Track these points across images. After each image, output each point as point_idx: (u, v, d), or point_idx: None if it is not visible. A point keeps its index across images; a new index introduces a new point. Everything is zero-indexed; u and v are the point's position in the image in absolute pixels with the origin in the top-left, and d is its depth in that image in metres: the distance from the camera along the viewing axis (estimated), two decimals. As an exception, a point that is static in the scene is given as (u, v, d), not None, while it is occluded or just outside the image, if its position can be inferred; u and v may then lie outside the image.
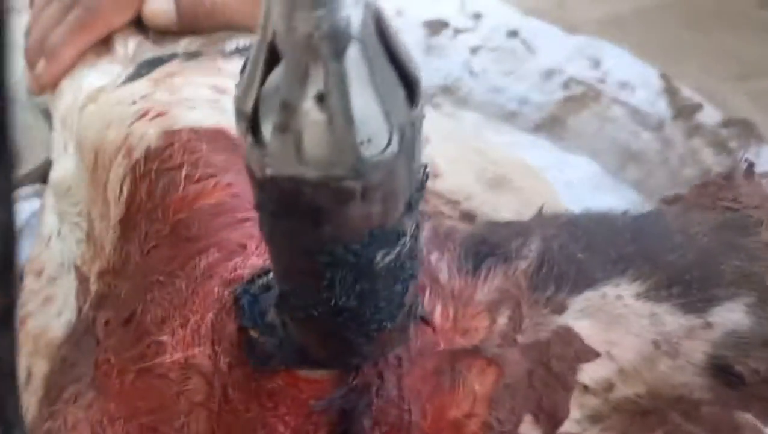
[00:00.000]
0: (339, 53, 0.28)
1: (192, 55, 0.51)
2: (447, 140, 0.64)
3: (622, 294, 0.44)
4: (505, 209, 0.57)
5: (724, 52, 0.98)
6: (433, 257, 0.46)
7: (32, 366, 0.50)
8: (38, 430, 0.46)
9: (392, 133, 0.30)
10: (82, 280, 0.51)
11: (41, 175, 0.70)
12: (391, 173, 0.31)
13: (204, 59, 0.50)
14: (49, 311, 0.52)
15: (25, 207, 0.66)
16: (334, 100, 0.29)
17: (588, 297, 0.45)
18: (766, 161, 0.88)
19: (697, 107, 0.90)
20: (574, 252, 0.46)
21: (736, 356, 0.42)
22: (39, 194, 0.67)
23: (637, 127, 0.89)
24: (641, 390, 0.44)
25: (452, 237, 0.48)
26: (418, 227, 0.36)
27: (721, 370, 0.43)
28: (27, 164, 0.72)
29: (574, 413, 0.44)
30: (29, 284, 0.54)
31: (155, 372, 0.42)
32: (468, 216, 0.54)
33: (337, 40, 0.28)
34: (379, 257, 0.34)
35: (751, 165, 0.50)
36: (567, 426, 0.44)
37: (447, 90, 0.92)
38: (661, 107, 0.90)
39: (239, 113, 0.31)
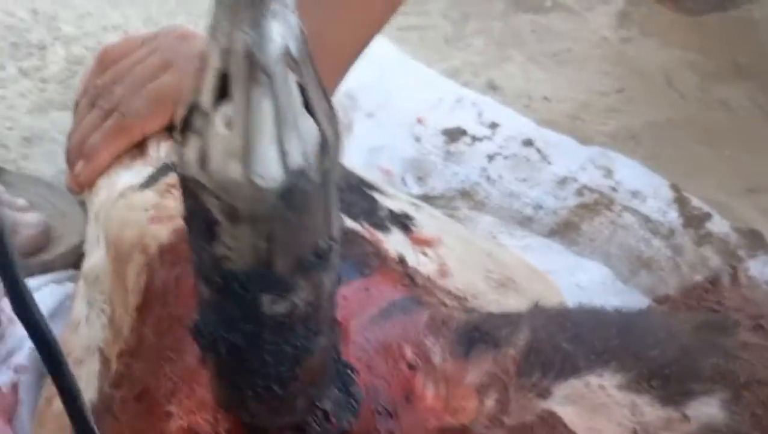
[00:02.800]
0: (252, 78, 0.31)
1: None
2: (458, 241, 0.67)
3: (604, 384, 0.47)
4: (510, 309, 0.60)
5: (734, 166, 1.01)
6: (429, 340, 0.49)
7: (58, 446, 0.54)
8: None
9: (286, 175, 0.32)
10: (104, 361, 0.55)
11: (74, 258, 0.74)
12: (281, 215, 0.33)
13: None
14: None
15: (60, 290, 0.70)
16: (237, 123, 0.31)
17: (572, 385, 0.47)
18: (773, 271, 0.90)
19: (707, 216, 0.93)
20: (561, 342, 0.49)
21: (708, 450, 0.45)
22: (72, 279, 0.71)
23: (649, 234, 0.92)
24: (622, 477, 0.46)
25: (448, 324, 0.51)
26: (321, 309, 0.38)
27: (697, 464, 0.45)
28: (60, 247, 0.76)
29: (559, 497, 0.46)
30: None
31: (163, 441, 0.45)
32: (471, 310, 0.57)
33: (252, 66, 0.31)
34: (265, 302, 0.36)
35: (735, 271, 0.53)
36: (551, 510, 0.46)
37: (465, 194, 0.95)
38: (672, 216, 0.93)
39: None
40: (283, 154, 0.32)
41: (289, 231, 0.34)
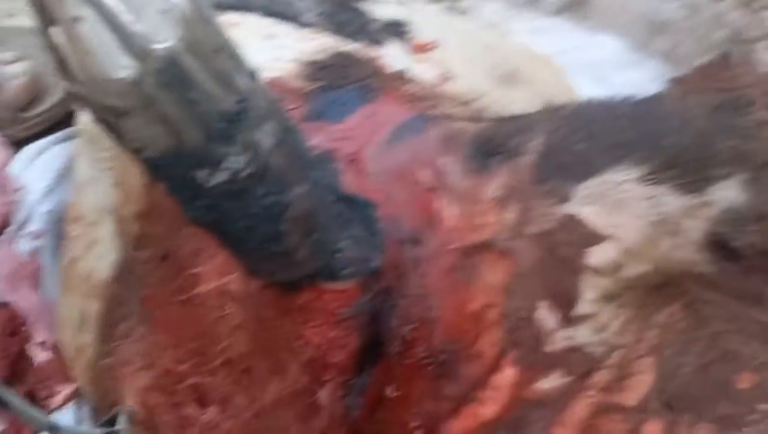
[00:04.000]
0: None
1: None
2: (458, 39, 0.65)
3: (622, 180, 0.47)
4: (516, 103, 0.59)
5: None
6: (443, 160, 0.49)
7: (85, 308, 0.55)
8: (98, 367, 0.51)
9: (140, 62, 0.33)
10: (120, 222, 0.55)
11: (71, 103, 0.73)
12: (159, 98, 0.34)
13: None
14: (94, 254, 0.56)
15: (64, 151, 0.69)
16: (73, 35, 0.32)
17: (590, 185, 0.47)
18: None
19: (722, -31, 0.89)
20: (576, 143, 0.48)
21: (732, 231, 0.45)
22: (74, 138, 0.70)
23: (663, -4, 0.88)
24: (648, 268, 0.47)
25: (460, 139, 0.50)
26: (272, 164, 0.39)
27: (720, 245, 0.45)
28: (56, 94, 0.75)
29: (588, 294, 0.47)
30: (72, 229, 0.58)
31: (195, 302, 0.46)
32: (479, 116, 0.56)
33: None
34: (201, 177, 0.37)
35: (748, 45, 0.51)
36: (583, 307, 0.47)
37: (468, -19, 0.92)
38: (685, -28, 0.89)
39: None
40: (129, 44, 0.33)
41: (180, 109, 0.35)
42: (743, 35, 0.88)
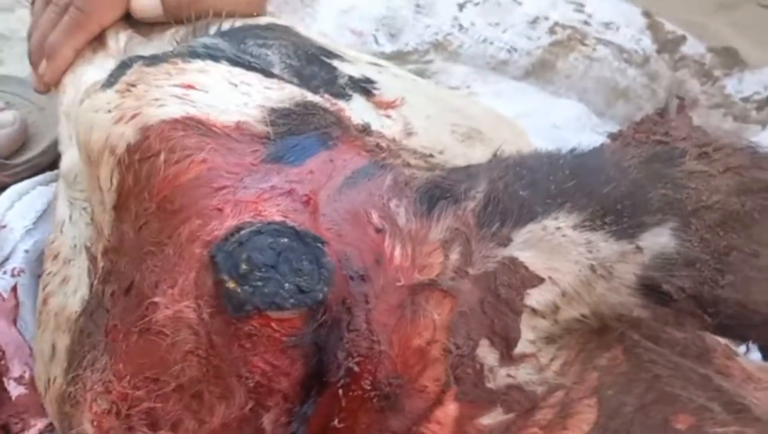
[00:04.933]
0: None
1: (152, 60, 0.57)
2: (424, 99, 0.69)
3: (560, 226, 0.49)
4: (476, 161, 0.62)
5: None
6: (393, 203, 0.52)
7: (56, 341, 0.57)
8: (63, 396, 0.53)
9: None
10: (92, 259, 0.58)
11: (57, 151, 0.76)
12: None
13: (163, 64, 0.56)
14: (66, 290, 0.59)
15: (48, 191, 0.72)
16: None
17: (530, 230, 0.50)
18: (749, 86, 0.91)
19: (681, 40, 0.93)
20: (518, 190, 0.51)
21: (663, 276, 0.47)
22: (55, 180, 0.73)
23: (624, 64, 0.93)
24: (585, 310, 0.49)
25: (410, 184, 0.53)
26: None
27: (652, 289, 0.48)
28: (43, 142, 0.78)
29: (528, 335, 0.50)
30: (48, 267, 0.61)
31: (153, 330, 0.48)
32: (434, 167, 0.59)
33: None
34: None
35: (682, 100, 0.54)
36: (523, 347, 0.50)
37: (438, 46, 0.96)
38: (646, 43, 0.93)
39: None
40: None
41: None
42: (700, 103, 0.92)
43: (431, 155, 0.61)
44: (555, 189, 0.50)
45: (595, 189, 0.50)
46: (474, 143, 0.65)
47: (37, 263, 0.65)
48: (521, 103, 0.86)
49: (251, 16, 0.71)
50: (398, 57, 0.94)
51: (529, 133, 0.79)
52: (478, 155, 0.63)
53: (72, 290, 0.59)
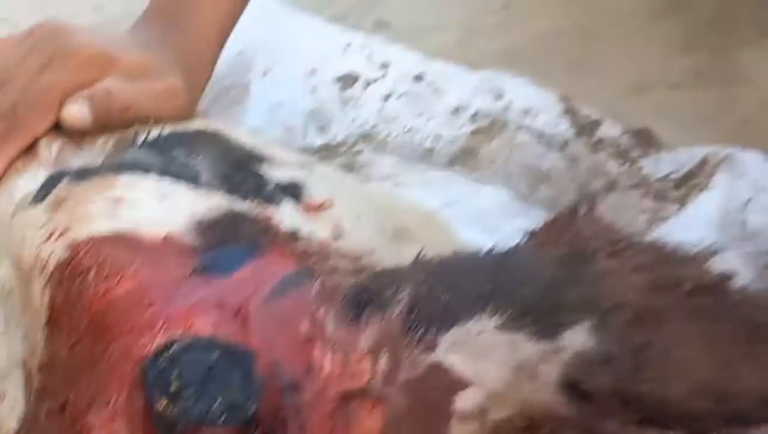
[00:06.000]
0: None
1: (81, 175, 0.58)
2: (351, 199, 0.70)
3: (483, 328, 0.51)
4: (405, 261, 0.63)
5: (620, 67, 1.05)
6: (321, 311, 0.53)
7: (-8, 463, 0.57)
8: None
9: None
10: (27, 376, 0.58)
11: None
12: None
13: (93, 178, 0.57)
14: (3, 406, 0.58)
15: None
16: None
17: (455, 334, 0.51)
18: (666, 166, 0.94)
19: (597, 123, 0.97)
20: (441, 294, 0.52)
21: (583, 374, 0.49)
22: None
23: (544, 149, 0.96)
24: (513, 411, 0.51)
25: (338, 290, 0.54)
26: None
27: (573, 388, 0.49)
28: None
29: (459, 438, 0.51)
30: (-15, 383, 0.60)
31: (85, 452, 0.48)
32: (362, 270, 0.61)
33: None
34: None
35: (593, 200, 0.57)
36: (454, 451, 0.51)
37: (366, 137, 0.98)
38: (564, 127, 0.97)
39: None
40: None
41: None
42: (619, 184, 0.96)
43: (360, 257, 0.63)
44: (476, 291, 0.52)
45: (514, 290, 0.52)
46: (402, 243, 0.67)
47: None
48: (448, 190, 0.88)
49: (180, 120, 0.73)
50: (328, 149, 0.96)
51: (458, 221, 0.81)
52: (407, 253, 0.65)
53: (8, 407, 0.58)
